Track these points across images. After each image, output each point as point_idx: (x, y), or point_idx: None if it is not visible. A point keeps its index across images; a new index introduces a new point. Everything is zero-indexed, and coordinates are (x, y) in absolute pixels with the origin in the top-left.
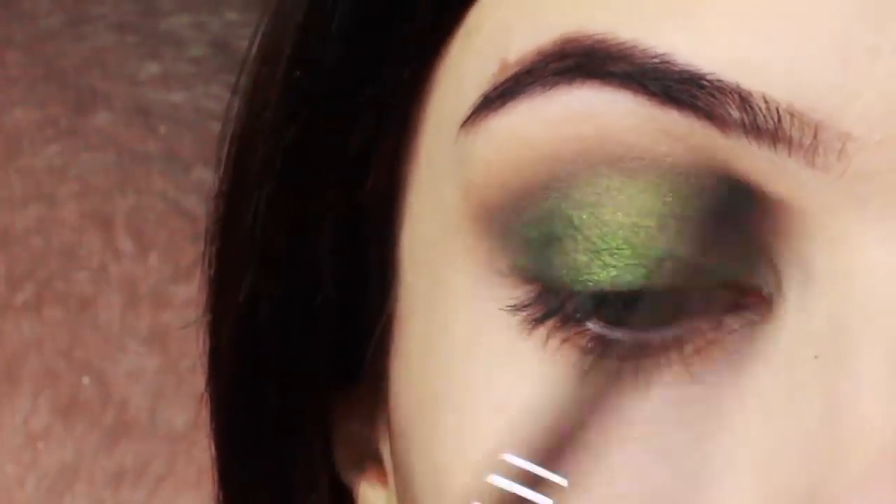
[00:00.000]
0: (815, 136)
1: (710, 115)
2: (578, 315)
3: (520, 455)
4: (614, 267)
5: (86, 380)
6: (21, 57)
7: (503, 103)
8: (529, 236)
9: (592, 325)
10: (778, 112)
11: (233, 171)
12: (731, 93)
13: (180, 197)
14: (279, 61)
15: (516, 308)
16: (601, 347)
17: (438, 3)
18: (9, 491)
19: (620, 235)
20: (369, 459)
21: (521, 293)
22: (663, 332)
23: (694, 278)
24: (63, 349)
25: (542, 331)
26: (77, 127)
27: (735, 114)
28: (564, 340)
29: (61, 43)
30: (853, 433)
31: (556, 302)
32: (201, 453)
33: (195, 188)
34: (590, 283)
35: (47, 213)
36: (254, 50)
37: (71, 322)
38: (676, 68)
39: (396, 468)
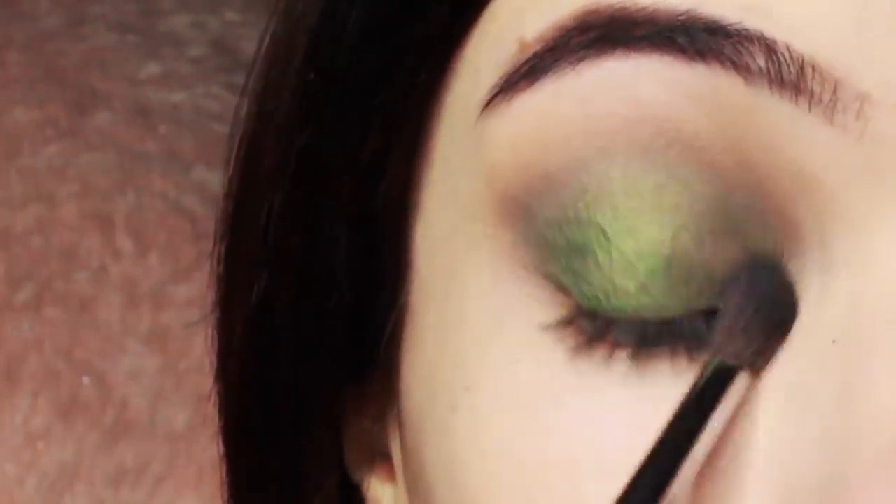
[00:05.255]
0: (834, 92)
1: (736, 65)
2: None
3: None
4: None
5: (86, 380)
6: (21, 57)
7: (530, 83)
8: (552, 239)
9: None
10: (802, 63)
11: (243, 171)
12: (756, 41)
13: (180, 197)
14: (291, 63)
15: (543, 305)
16: (628, 342)
17: (455, 3)
18: (9, 491)
19: (641, 223)
20: (378, 456)
21: (546, 293)
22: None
23: (715, 254)
24: (63, 349)
25: (568, 329)
26: (77, 127)
27: (760, 62)
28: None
29: (61, 43)
30: (867, 420)
31: (585, 313)
32: (201, 453)
33: (195, 188)
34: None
35: (47, 213)
36: (262, 51)
37: (71, 322)
38: (702, 19)
39: (407, 461)
